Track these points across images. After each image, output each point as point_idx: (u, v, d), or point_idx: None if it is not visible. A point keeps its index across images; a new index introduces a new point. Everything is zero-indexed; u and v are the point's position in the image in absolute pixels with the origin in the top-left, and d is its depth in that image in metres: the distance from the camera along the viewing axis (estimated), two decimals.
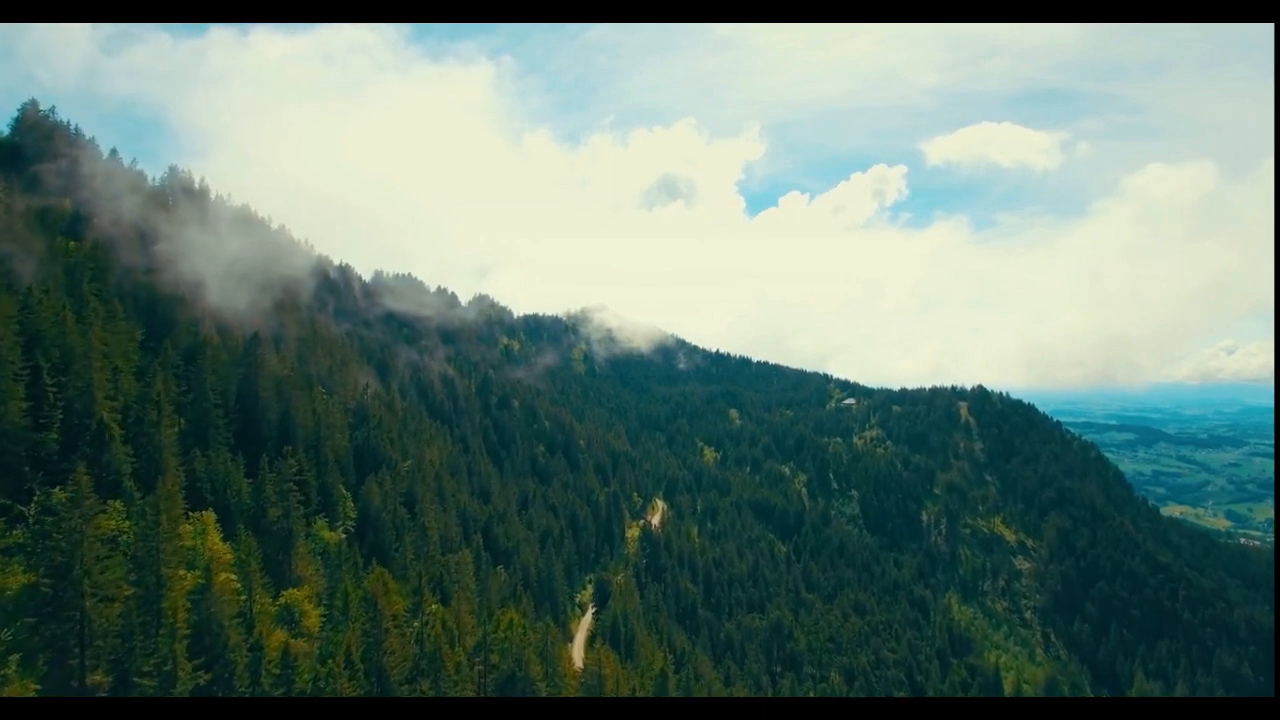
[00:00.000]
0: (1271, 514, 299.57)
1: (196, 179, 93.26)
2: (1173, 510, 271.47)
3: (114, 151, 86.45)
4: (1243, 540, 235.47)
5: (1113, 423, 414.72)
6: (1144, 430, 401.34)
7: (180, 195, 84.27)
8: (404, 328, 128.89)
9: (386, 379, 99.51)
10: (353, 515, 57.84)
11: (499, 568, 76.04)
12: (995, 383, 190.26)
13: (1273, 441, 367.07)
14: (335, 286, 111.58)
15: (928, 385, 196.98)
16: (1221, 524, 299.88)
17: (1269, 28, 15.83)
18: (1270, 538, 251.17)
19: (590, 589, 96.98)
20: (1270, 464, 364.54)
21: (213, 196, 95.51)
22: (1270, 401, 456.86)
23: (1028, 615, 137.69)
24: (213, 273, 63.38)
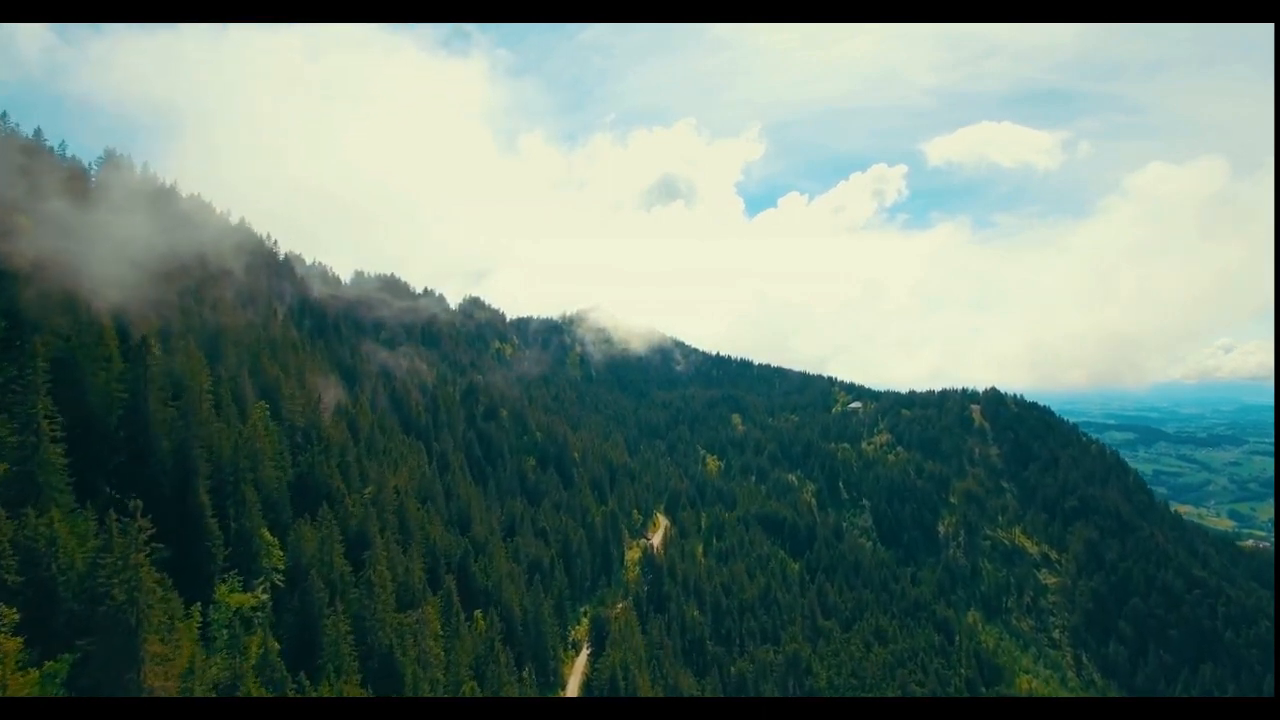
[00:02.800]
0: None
1: (138, 165, 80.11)
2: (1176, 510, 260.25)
3: (38, 132, 73.27)
4: (1251, 542, 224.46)
5: (1111, 422, 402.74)
6: (1143, 430, 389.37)
7: (106, 179, 70.90)
8: (381, 331, 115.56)
9: (355, 389, 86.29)
10: (282, 566, 44.63)
11: (476, 613, 62.91)
12: (998, 383, 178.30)
13: (1272, 440, 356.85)
14: (302, 285, 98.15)
15: (930, 386, 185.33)
16: (1225, 524, 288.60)
17: (1269, 28, 15.35)
18: None
19: (586, 622, 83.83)
20: (1271, 462, 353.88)
21: (162, 184, 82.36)
22: (1269, 400, 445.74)
23: (1056, 635, 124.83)
24: (119, 262, 50.33)
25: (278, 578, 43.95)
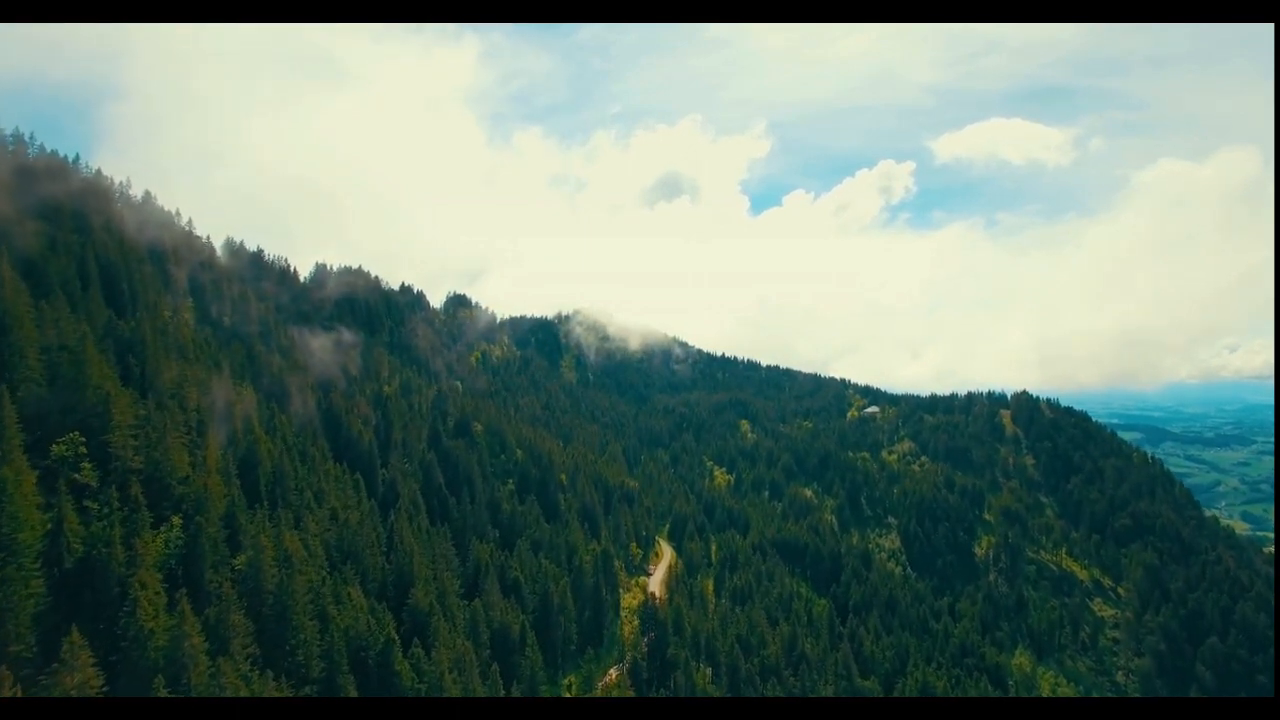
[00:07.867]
0: None
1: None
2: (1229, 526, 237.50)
3: None
4: (1271, 549, 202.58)
5: (1116, 421, 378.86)
6: (1149, 429, 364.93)
7: None
8: (333, 331, 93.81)
9: (278, 405, 64.45)
10: None
11: None
12: (1008, 383, 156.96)
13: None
14: (216, 272, 75.72)
15: (938, 387, 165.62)
16: (1240, 527, 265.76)
17: (1269, 27, 15.28)
18: None
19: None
20: None
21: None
22: (1271, 399, 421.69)
23: (1121, 679, 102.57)
24: None
25: None
